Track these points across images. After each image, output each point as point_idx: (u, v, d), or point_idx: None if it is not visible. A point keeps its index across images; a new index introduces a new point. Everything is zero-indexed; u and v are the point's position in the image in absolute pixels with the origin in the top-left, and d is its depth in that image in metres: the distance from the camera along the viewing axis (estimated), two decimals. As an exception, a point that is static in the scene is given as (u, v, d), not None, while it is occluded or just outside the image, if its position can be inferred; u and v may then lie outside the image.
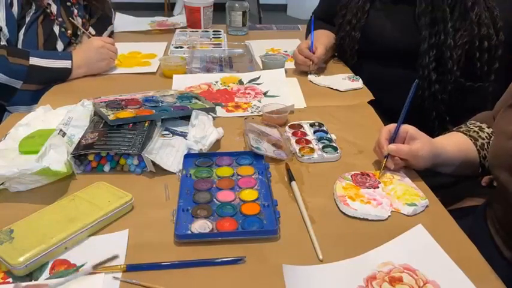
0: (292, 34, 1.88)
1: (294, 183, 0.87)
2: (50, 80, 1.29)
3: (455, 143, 0.92)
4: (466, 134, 0.94)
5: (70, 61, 1.31)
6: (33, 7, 1.35)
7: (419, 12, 1.26)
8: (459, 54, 1.23)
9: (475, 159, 0.92)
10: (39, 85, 1.27)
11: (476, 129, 0.94)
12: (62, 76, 1.31)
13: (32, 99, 1.25)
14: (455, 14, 1.23)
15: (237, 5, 1.83)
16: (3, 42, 1.29)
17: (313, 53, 1.37)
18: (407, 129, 0.89)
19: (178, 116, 1.08)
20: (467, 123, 0.97)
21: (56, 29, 1.41)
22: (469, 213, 0.96)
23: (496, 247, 0.83)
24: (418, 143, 0.87)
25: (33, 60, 1.25)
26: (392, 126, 0.90)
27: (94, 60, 1.36)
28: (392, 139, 0.89)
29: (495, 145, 0.84)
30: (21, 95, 1.26)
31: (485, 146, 0.92)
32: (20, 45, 1.32)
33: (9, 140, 0.97)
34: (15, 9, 1.31)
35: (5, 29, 1.28)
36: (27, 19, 1.33)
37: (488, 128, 0.94)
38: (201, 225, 0.76)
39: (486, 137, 0.93)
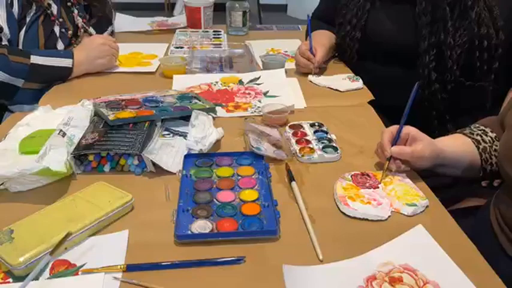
0: (292, 34, 1.88)
1: (294, 183, 0.87)
2: (51, 78, 1.29)
3: (456, 144, 0.92)
4: (469, 137, 0.94)
5: (71, 60, 1.31)
6: (34, 7, 1.35)
7: (420, 11, 1.26)
8: (459, 53, 1.23)
9: (476, 161, 0.92)
10: (41, 84, 1.27)
11: (479, 132, 0.94)
12: (63, 75, 1.31)
13: (35, 98, 1.25)
14: (455, 12, 1.23)
15: (237, 5, 1.82)
16: (5, 42, 1.29)
17: (313, 56, 1.37)
18: (409, 130, 0.89)
19: (178, 116, 1.08)
20: (471, 126, 0.97)
21: (57, 29, 1.40)
22: (469, 213, 0.96)
23: (500, 246, 0.83)
24: (420, 144, 0.87)
25: (34, 59, 1.25)
26: (394, 128, 0.90)
27: (95, 57, 1.36)
28: (395, 141, 0.89)
29: (507, 139, 0.84)
30: (24, 93, 1.26)
31: (487, 150, 0.92)
32: (20, 46, 1.31)
33: (9, 140, 0.97)
34: (15, 9, 1.30)
35: (6, 29, 1.28)
36: (28, 19, 1.33)
37: (492, 132, 0.94)
38: (201, 226, 0.76)
39: (489, 141, 0.93)
